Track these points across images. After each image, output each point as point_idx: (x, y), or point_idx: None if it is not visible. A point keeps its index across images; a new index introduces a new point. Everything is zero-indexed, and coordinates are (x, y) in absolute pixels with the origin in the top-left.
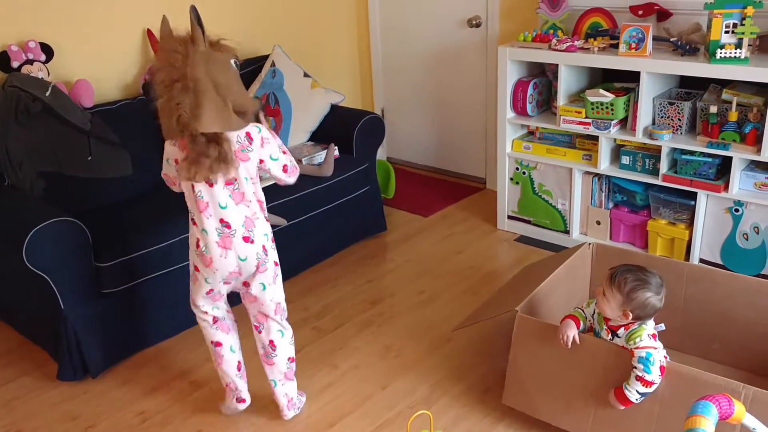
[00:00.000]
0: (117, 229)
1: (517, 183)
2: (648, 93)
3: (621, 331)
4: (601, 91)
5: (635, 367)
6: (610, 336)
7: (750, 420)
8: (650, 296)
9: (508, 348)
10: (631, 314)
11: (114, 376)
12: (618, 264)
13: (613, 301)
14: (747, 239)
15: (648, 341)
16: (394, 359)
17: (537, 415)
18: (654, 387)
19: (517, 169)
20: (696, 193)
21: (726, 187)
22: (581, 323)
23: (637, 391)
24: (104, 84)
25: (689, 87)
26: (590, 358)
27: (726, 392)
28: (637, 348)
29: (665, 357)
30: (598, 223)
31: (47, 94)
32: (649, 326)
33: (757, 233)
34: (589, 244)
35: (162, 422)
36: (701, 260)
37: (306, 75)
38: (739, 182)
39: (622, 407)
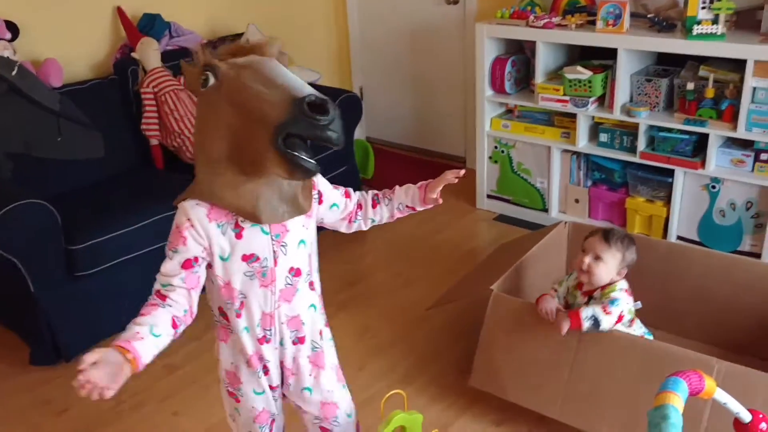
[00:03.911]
0: (89, 211)
1: (496, 162)
2: (625, 70)
3: (597, 293)
4: (579, 68)
5: (598, 302)
6: (586, 300)
7: (721, 395)
8: (635, 248)
9: None
10: (624, 271)
11: None
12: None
13: (611, 261)
14: (724, 216)
15: (621, 293)
16: (370, 340)
17: (505, 395)
18: (606, 322)
19: (496, 147)
20: (673, 171)
21: (703, 164)
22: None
23: (593, 313)
24: (74, 63)
25: (667, 64)
26: (563, 336)
27: (699, 366)
28: (607, 297)
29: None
30: (577, 201)
31: (13, 73)
32: (622, 284)
33: (734, 210)
34: (565, 222)
35: (137, 405)
36: (679, 237)
37: (281, 52)
38: (716, 159)
39: (566, 326)
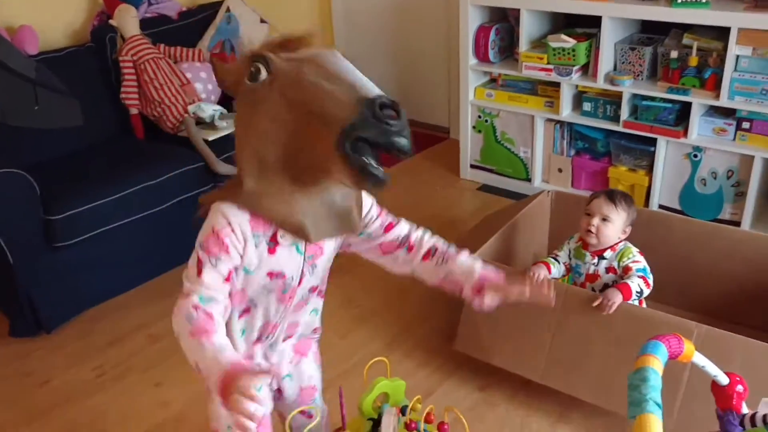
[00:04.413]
0: (67, 181)
1: (480, 131)
2: (609, 38)
3: (608, 253)
4: (563, 36)
5: (634, 275)
6: (596, 260)
7: (699, 358)
8: (635, 207)
9: None
10: (629, 229)
11: (69, 331)
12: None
13: (619, 221)
14: (705, 185)
15: (639, 256)
16: (354, 309)
17: (489, 359)
18: (646, 292)
19: (480, 117)
20: (656, 140)
21: (685, 133)
22: (552, 269)
23: (639, 285)
24: (49, 30)
25: (651, 32)
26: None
27: (679, 331)
28: (633, 262)
29: None
30: (560, 170)
31: None
32: (635, 249)
33: (715, 178)
34: (548, 192)
35: (119, 376)
36: (660, 206)
37: (263, 21)
38: (698, 128)
39: (619, 301)
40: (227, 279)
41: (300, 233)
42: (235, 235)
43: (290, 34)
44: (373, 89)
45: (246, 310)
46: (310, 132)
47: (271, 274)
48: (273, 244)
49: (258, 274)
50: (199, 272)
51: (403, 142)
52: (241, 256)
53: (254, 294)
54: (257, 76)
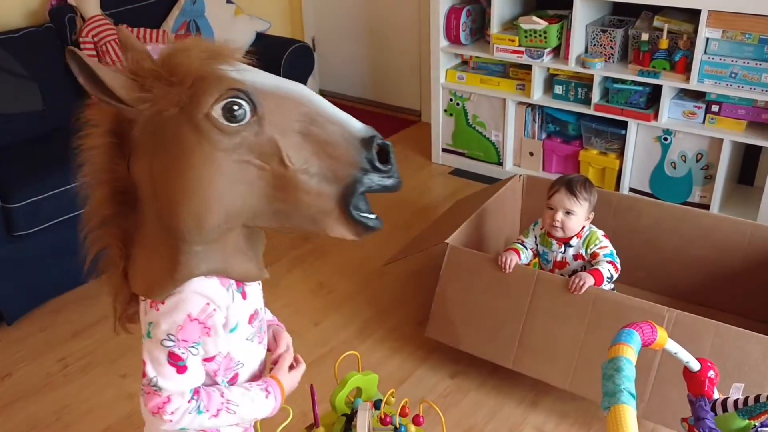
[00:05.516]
0: (27, 167)
1: (451, 115)
2: (581, 20)
3: (574, 240)
4: (535, 18)
5: (603, 260)
6: (562, 248)
7: (672, 345)
8: (594, 189)
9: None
10: (592, 215)
11: (31, 323)
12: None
13: (581, 211)
14: (675, 168)
15: (605, 241)
16: (326, 296)
17: (460, 346)
18: (616, 275)
19: (451, 100)
20: (627, 123)
21: (656, 116)
22: (521, 255)
23: (609, 271)
24: (5, 10)
25: (622, 14)
26: (518, 286)
27: (650, 316)
28: (600, 248)
29: None
30: (531, 154)
31: None
32: (600, 232)
33: (684, 161)
34: (520, 176)
35: (85, 368)
36: (631, 189)
37: (229, 1)
38: (668, 111)
39: (591, 283)
40: (212, 359)
41: (260, 275)
42: (219, 310)
43: (221, 46)
44: (361, 130)
45: (234, 377)
46: (308, 188)
47: (251, 318)
48: (241, 288)
49: (242, 325)
50: (181, 369)
51: (394, 182)
52: (224, 325)
53: (240, 352)
54: (241, 116)
